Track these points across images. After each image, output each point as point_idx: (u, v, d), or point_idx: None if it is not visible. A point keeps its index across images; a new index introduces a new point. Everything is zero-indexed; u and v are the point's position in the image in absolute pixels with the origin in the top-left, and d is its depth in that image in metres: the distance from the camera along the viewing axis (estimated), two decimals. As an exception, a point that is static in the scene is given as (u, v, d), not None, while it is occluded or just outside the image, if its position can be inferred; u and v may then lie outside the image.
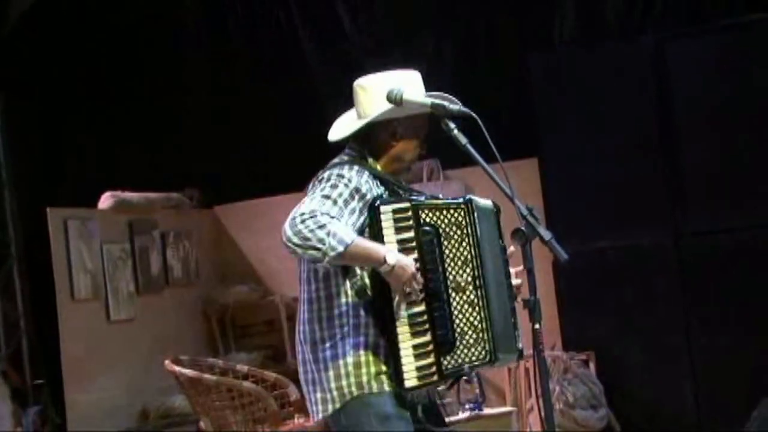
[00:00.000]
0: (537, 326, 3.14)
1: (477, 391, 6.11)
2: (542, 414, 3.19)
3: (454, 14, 8.02)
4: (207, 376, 6.02)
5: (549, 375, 3.40)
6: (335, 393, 3.42)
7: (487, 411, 6.27)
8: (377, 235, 3.34)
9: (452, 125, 3.37)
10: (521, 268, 3.41)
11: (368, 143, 3.56)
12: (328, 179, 3.41)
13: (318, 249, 3.24)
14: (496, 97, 7.47)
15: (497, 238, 3.51)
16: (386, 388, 3.40)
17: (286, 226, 3.28)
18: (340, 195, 3.36)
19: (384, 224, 3.33)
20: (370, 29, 7.94)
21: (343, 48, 8.04)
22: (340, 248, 3.24)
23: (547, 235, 3.17)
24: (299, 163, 6.12)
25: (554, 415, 3.30)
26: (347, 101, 3.66)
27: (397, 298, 3.32)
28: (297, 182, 3.56)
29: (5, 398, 8.07)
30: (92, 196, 7.36)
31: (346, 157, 3.55)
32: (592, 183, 7.06)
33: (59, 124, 8.52)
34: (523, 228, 3.20)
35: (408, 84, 3.50)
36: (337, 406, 3.43)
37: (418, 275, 3.31)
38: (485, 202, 3.50)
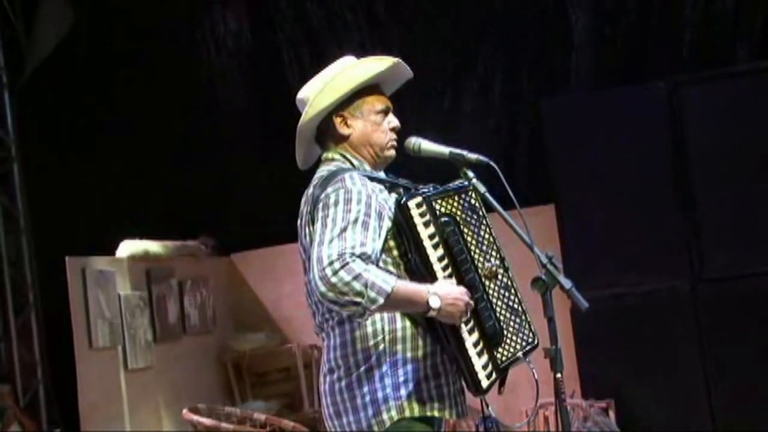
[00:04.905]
0: (558, 375, 3.09)
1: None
2: (564, 462, 3.15)
3: (470, 62, 8.08)
4: (225, 425, 6.02)
5: (570, 423, 3.37)
6: (373, 420, 3.16)
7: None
8: (411, 237, 3.15)
9: (471, 174, 3.34)
10: None
11: (335, 144, 3.39)
12: (336, 202, 3.16)
13: (357, 304, 3.02)
14: (513, 144, 7.50)
15: None
16: (428, 412, 3.18)
17: (317, 279, 3.04)
18: (359, 213, 3.13)
19: (416, 221, 3.15)
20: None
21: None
22: (381, 300, 3.02)
23: (567, 284, 3.14)
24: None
25: (576, 464, 3.26)
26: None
27: None
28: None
29: (22, 447, 8.06)
30: (110, 244, 7.38)
31: (333, 167, 3.33)
32: (608, 228, 7.05)
33: (76, 172, 8.57)
34: (543, 277, 3.14)
35: (342, 69, 3.38)
36: None
37: (471, 301, 3.12)
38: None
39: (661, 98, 6.99)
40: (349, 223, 3.11)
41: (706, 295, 6.89)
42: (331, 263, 3.04)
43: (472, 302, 3.14)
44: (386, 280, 3.06)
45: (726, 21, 7.47)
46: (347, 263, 3.04)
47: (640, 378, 6.94)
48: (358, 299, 3.02)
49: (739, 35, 7.45)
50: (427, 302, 3.07)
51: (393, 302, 3.06)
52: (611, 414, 6.82)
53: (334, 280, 3.02)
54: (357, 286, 3.02)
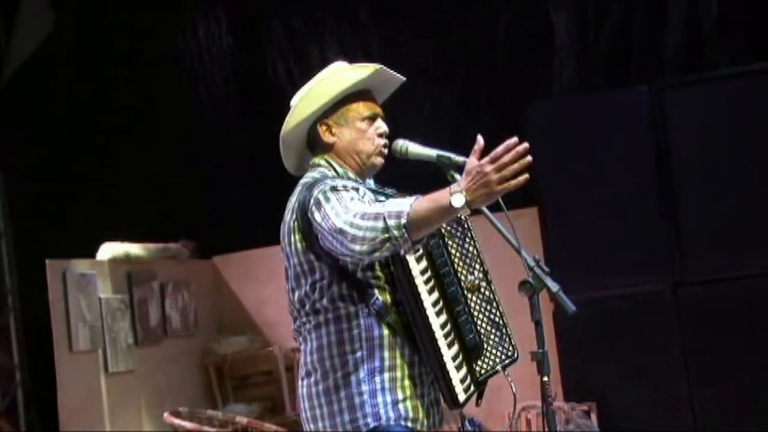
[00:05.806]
0: (545, 379, 3.08)
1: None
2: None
3: (453, 64, 8.08)
4: (206, 428, 6.00)
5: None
6: (349, 426, 3.15)
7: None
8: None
9: (458, 177, 3.25)
10: None
11: (322, 152, 3.37)
12: (327, 198, 3.13)
13: (389, 239, 2.95)
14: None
15: None
16: (404, 420, 3.17)
17: (350, 245, 3.01)
18: (352, 196, 3.12)
19: None
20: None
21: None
22: (403, 220, 2.93)
23: (554, 287, 3.12)
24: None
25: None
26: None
27: (428, 308, 3.08)
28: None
29: (1, 451, 8.01)
30: (91, 247, 7.34)
31: (317, 175, 3.32)
32: (591, 232, 7.05)
33: (57, 175, 8.52)
34: (530, 280, 3.12)
35: (332, 75, 3.35)
36: None
37: (496, 163, 2.94)
38: None
39: (644, 102, 7.01)
40: (346, 203, 3.10)
41: (688, 299, 6.91)
42: (351, 224, 3.02)
43: (506, 156, 2.98)
44: (402, 202, 3.00)
45: (709, 25, 7.49)
46: (364, 213, 3.01)
47: (623, 381, 6.95)
48: (386, 234, 2.96)
49: (723, 39, 7.47)
50: (451, 205, 2.94)
51: (419, 220, 2.94)
52: (593, 417, 6.83)
53: (360, 233, 2.99)
54: (379, 224, 2.97)
